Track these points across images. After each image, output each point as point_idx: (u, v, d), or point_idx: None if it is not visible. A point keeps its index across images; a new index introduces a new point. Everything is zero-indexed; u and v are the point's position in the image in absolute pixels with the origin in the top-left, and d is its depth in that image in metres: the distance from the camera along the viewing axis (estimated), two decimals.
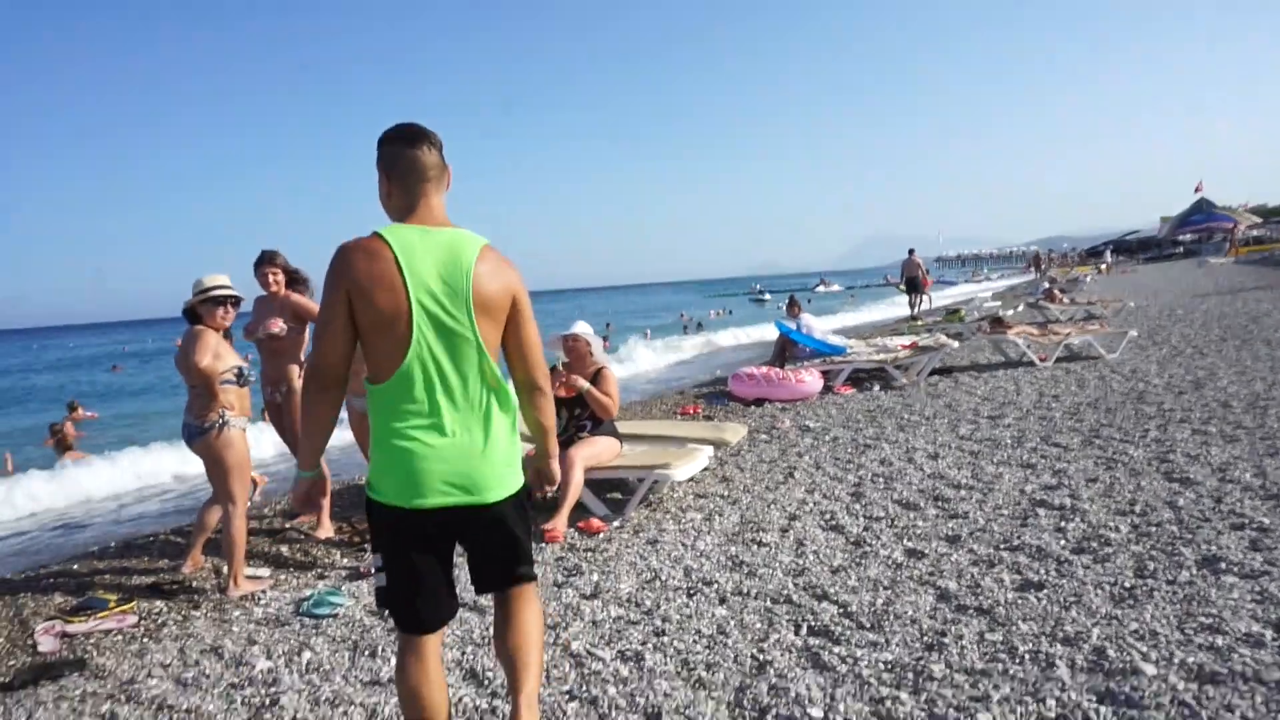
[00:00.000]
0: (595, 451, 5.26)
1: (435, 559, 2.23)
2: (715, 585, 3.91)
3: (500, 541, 2.29)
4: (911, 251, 20.88)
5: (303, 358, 5.34)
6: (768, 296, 63.70)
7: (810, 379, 9.58)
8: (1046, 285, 22.43)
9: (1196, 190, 44.38)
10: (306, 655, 3.41)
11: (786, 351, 11.35)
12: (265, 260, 5.30)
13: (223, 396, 4.26)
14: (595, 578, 4.12)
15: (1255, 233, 47.25)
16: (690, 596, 3.81)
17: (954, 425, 7.22)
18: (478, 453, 2.19)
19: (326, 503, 5.26)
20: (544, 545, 4.68)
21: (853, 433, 7.32)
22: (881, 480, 5.59)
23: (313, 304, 5.31)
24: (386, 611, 2.34)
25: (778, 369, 10.15)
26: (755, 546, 4.45)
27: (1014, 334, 10.99)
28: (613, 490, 5.72)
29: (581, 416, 5.40)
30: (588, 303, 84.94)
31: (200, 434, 4.26)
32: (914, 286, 20.87)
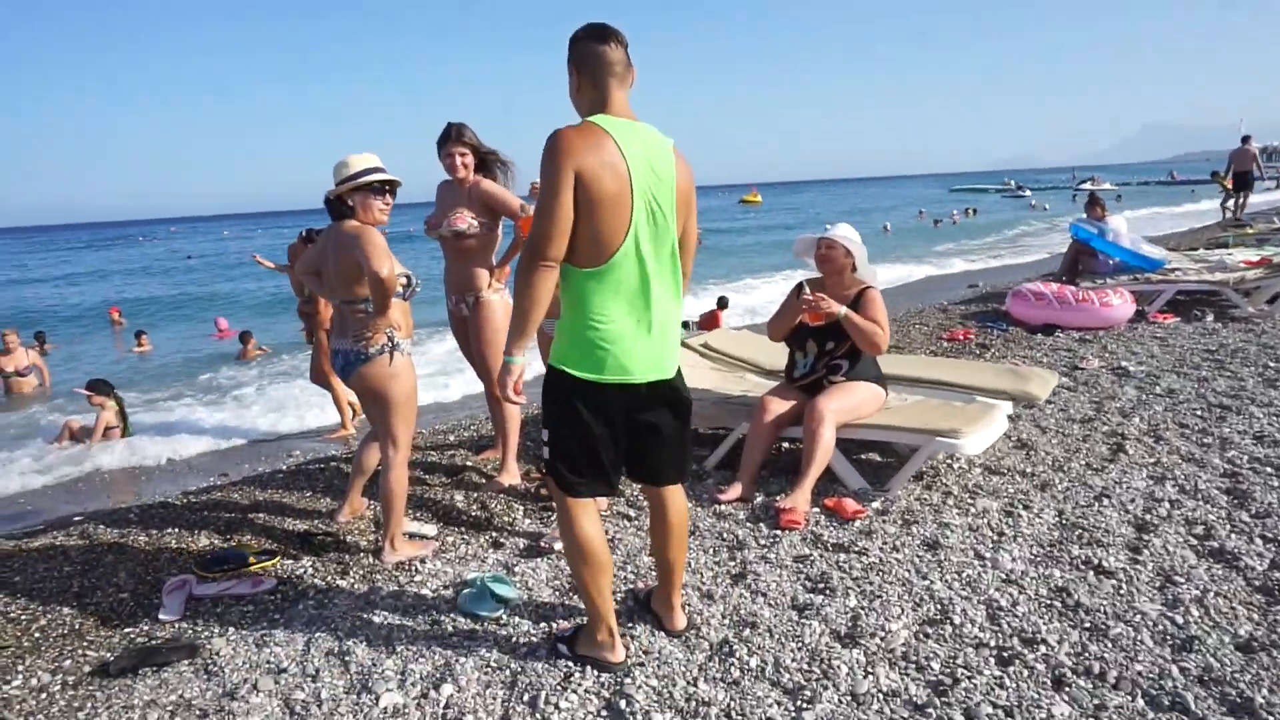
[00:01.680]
0: (852, 403, 3.90)
1: (609, 431, 2.35)
2: (1043, 648, 2.53)
3: (672, 424, 2.43)
4: (1246, 140, 16.65)
5: (495, 260, 4.34)
6: (1028, 192, 56.39)
7: (1119, 301, 7.51)
8: None
9: None
10: (447, 691, 2.45)
11: (1080, 264, 9.19)
12: (451, 137, 4.17)
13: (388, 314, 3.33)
14: (852, 603, 2.87)
15: None
16: (1004, 665, 2.47)
17: None
18: (668, 333, 2.37)
19: (514, 441, 4.33)
20: (780, 533, 3.47)
21: (1194, 384, 5.42)
22: (1272, 472, 3.83)
23: (509, 194, 4.24)
24: (553, 480, 2.41)
25: (1071, 286, 8.13)
26: (1093, 575, 2.99)
27: None
28: (867, 451, 4.37)
29: (836, 352, 3.94)
30: (818, 197, 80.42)
31: (365, 362, 3.35)
32: (1244, 184, 16.82)
